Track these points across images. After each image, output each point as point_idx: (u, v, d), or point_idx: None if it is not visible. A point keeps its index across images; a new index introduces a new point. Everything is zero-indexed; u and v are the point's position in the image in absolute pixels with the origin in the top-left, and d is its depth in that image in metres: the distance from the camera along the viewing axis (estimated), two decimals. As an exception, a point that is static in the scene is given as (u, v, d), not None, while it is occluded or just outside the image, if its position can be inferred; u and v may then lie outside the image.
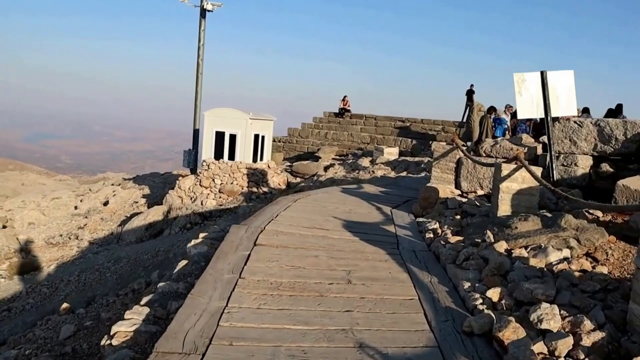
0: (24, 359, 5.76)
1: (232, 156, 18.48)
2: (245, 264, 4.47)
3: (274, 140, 25.32)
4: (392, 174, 15.87)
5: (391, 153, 20.80)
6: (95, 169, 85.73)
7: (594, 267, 4.16)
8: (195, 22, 21.45)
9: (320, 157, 23.45)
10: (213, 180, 17.98)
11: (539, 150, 8.02)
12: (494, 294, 3.79)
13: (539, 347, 2.96)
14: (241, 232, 5.40)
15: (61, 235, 18.00)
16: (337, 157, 24.45)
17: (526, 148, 7.95)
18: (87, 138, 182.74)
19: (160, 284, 4.69)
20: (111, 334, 3.60)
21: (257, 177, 18.25)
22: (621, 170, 6.85)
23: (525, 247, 4.73)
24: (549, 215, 5.27)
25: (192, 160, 20.67)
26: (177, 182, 18.64)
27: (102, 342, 3.61)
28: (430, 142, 23.71)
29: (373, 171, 16.58)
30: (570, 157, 7.58)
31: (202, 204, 17.27)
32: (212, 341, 3.03)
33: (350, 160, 21.38)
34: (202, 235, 6.06)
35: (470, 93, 24.47)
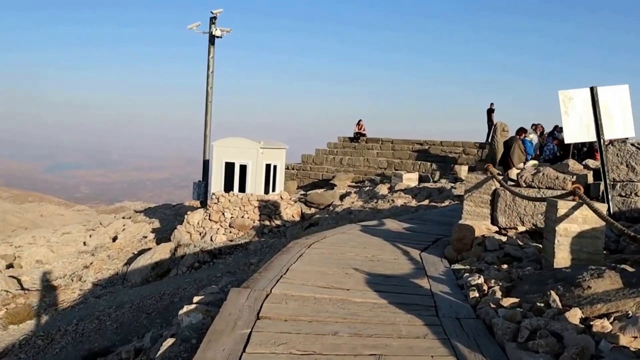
0: None
1: (242, 188, 17.50)
2: (244, 350, 3.42)
3: (287, 168, 24.42)
4: (414, 203, 14.78)
5: (411, 179, 19.70)
6: (113, 198, 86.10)
7: None
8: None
9: (335, 185, 22.44)
10: (223, 214, 17.01)
11: (590, 179, 6.91)
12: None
13: None
14: (242, 298, 4.36)
15: (65, 276, 17.16)
16: (353, 184, 23.43)
17: (574, 176, 6.85)
18: (107, 168, 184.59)
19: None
20: None
21: (269, 209, 17.24)
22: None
23: (607, 316, 3.63)
24: (630, 269, 4.16)
25: (202, 192, 19.79)
26: (186, 216, 17.72)
27: None
28: (452, 165, 22.64)
29: (392, 200, 15.49)
30: (629, 185, 6.50)
31: (211, 239, 16.29)
32: None
33: (367, 188, 20.32)
34: (196, 299, 5.05)
35: (490, 112, 23.48)
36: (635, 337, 3.26)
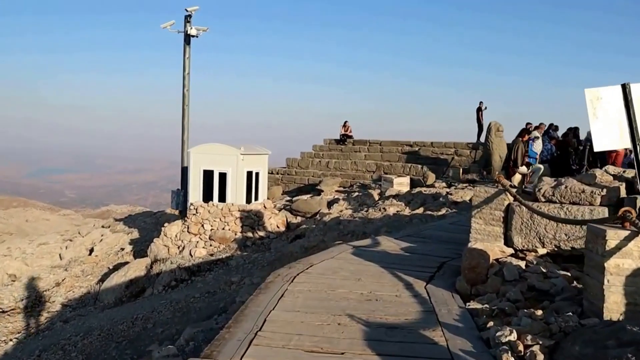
0: None
1: (222, 197, 16.24)
2: None
3: (271, 172, 23.24)
4: (407, 211, 13.72)
5: (402, 183, 18.60)
6: (99, 202, 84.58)
7: None
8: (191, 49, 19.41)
9: (322, 191, 21.28)
10: (202, 225, 15.79)
11: (622, 191, 5.85)
12: None
13: None
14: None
15: (32, 297, 15.86)
16: (341, 189, 22.30)
17: (604, 190, 5.80)
18: (91, 172, 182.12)
19: None
20: None
21: (251, 219, 16.04)
22: None
23: None
24: None
25: (181, 201, 18.49)
26: (163, 229, 16.46)
27: None
28: (445, 168, 21.62)
29: (384, 208, 14.39)
30: (672, 201, 5.44)
31: (190, 254, 15.08)
32: None
33: (356, 194, 19.19)
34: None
35: (479, 111, 22.53)
36: None
